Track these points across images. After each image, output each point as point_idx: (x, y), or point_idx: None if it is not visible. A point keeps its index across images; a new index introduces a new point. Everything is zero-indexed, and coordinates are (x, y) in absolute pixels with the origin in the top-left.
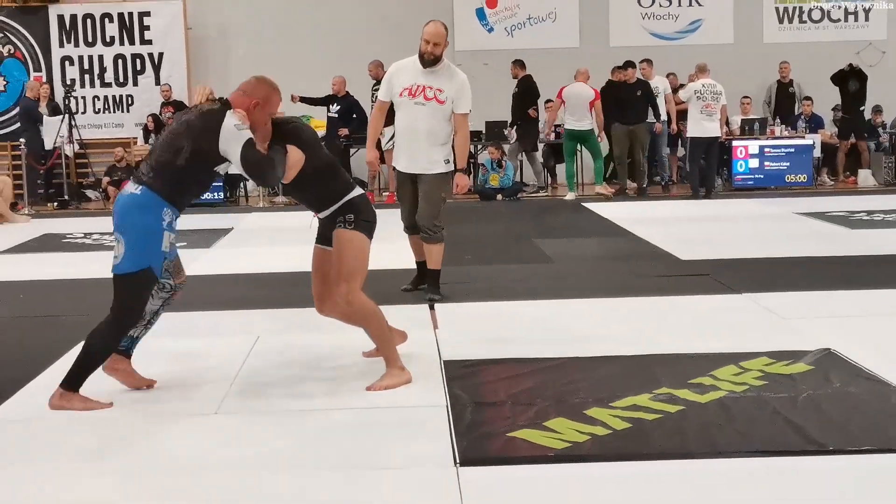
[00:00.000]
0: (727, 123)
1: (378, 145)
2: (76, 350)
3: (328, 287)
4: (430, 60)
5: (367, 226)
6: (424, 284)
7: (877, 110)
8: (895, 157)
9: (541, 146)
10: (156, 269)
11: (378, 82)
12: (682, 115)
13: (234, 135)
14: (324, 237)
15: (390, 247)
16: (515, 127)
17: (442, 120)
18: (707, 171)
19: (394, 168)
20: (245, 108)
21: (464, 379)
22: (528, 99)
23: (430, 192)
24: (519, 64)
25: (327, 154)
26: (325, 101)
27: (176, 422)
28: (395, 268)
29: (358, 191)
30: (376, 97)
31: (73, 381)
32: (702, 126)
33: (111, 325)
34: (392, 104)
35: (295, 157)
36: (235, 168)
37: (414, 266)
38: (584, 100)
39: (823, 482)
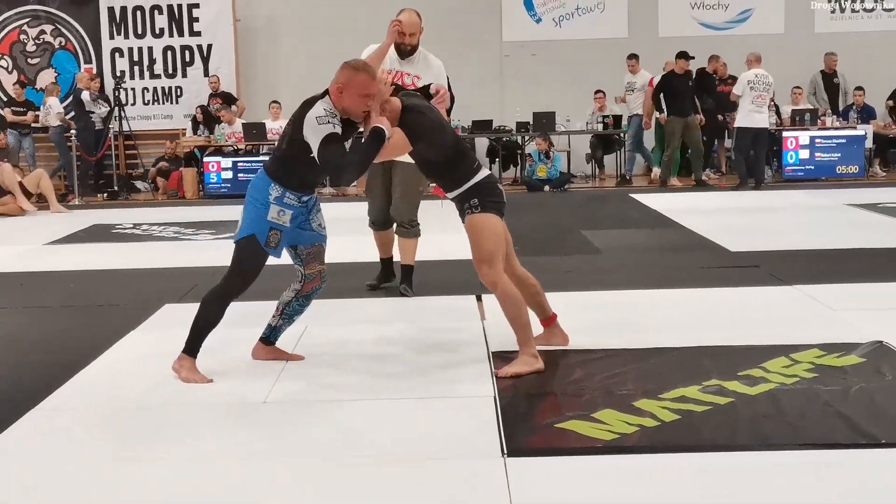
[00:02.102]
0: (777, 114)
1: None
2: (127, 339)
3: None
4: (406, 50)
5: (496, 205)
6: (390, 282)
7: None
8: None
9: (588, 137)
10: (260, 237)
11: None
12: (733, 106)
13: (314, 127)
14: (461, 209)
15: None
16: None
17: None
18: (756, 162)
19: None
20: (333, 94)
21: None
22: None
23: (407, 183)
24: None
25: (450, 140)
26: None
27: (224, 411)
28: (438, 259)
29: (482, 174)
30: None
31: (189, 346)
32: (751, 117)
33: (218, 289)
34: None
35: (397, 143)
36: None
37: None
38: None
39: (876, 475)
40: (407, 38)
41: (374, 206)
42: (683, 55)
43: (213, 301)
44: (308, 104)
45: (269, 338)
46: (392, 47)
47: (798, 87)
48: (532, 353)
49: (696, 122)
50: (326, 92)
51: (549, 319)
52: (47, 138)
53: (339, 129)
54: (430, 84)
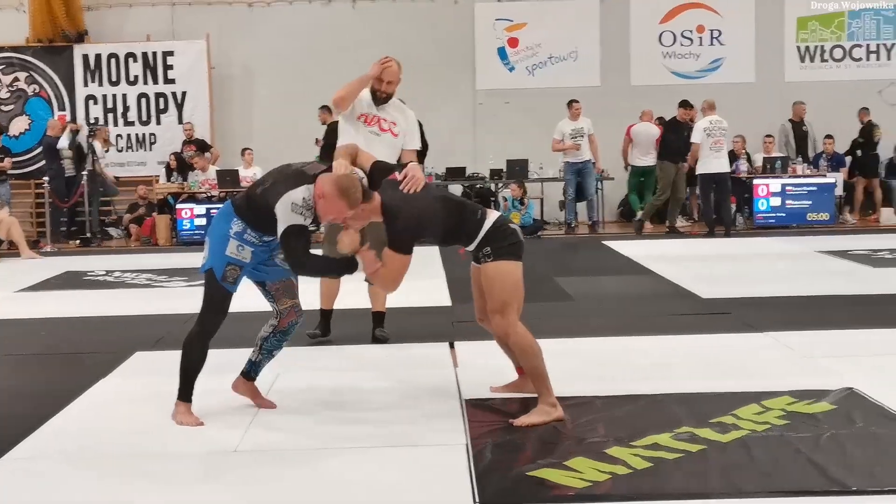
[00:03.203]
0: (748, 161)
1: None
2: (97, 386)
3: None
4: (382, 98)
5: (511, 249)
6: (327, 336)
7: None
8: None
9: (561, 184)
10: (216, 271)
11: None
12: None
13: (285, 211)
14: (476, 258)
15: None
16: None
17: (394, 153)
18: (722, 207)
19: None
20: (315, 193)
21: (484, 418)
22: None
23: (376, 232)
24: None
25: (441, 218)
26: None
27: (195, 459)
28: (410, 306)
29: (490, 220)
30: None
31: (180, 391)
32: (710, 163)
33: (194, 329)
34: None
35: (399, 269)
36: None
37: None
38: (650, 138)
39: None
40: (384, 86)
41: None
42: (685, 104)
43: (191, 342)
44: (296, 180)
45: (250, 373)
46: (368, 93)
47: (770, 136)
48: (550, 403)
49: (683, 169)
50: (314, 179)
51: (522, 368)
52: (21, 185)
53: (308, 222)
54: (405, 164)
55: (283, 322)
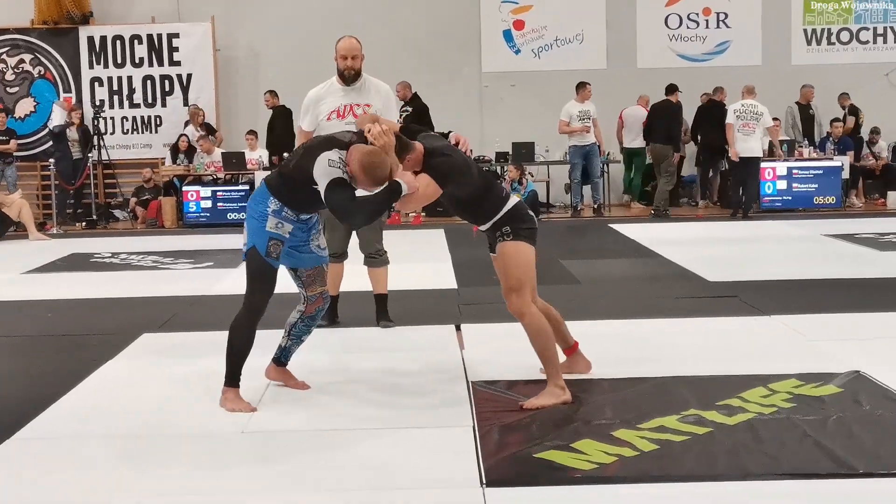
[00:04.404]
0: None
1: None
2: (104, 368)
3: None
4: (350, 76)
5: (528, 232)
6: (335, 322)
7: None
8: None
9: (567, 167)
10: (260, 248)
11: (406, 103)
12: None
13: (324, 168)
14: (490, 246)
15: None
16: None
17: None
18: (746, 190)
19: None
20: (348, 163)
21: (491, 399)
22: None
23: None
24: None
25: (476, 177)
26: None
27: (202, 441)
28: (416, 288)
29: (511, 201)
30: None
31: (228, 377)
32: (739, 145)
33: (242, 312)
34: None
35: (426, 191)
36: None
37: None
38: (638, 120)
39: None
40: (349, 62)
41: (336, 238)
42: (676, 87)
43: (239, 325)
44: (328, 144)
45: (281, 358)
46: (336, 79)
47: (776, 119)
48: (559, 385)
49: (675, 159)
50: (349, 144)
51: (571, 348)
52: (27, 167)
53: (347, 177)
54: (449, 132)
55: (310, 308)
